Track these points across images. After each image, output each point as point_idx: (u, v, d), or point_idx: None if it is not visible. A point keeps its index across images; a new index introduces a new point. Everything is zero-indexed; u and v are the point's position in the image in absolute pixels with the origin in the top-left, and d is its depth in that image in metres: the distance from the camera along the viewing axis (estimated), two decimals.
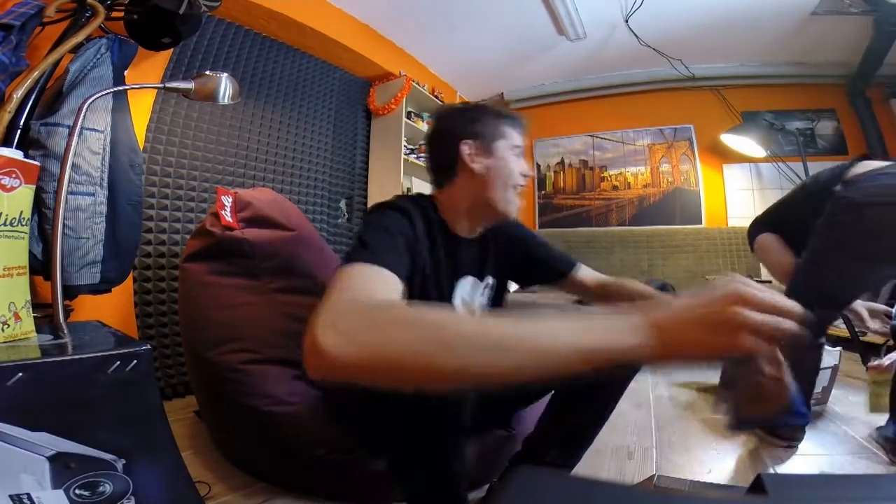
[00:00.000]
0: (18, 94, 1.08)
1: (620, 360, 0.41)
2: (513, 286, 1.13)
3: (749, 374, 0.51)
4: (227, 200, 1.26)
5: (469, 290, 0.96)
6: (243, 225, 1.22)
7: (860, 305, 1.47)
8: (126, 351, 0.78)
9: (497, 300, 1.03)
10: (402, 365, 0.43)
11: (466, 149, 0.90)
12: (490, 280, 1.00)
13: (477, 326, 0.43)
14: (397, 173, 2.82)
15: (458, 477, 0.82)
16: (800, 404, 0.51)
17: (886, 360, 1.34)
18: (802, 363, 1.23)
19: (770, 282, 2.54)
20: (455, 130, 0.93)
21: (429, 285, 0.86)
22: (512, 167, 0.91)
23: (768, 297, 0.41)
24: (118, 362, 0.76)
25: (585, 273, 1.03)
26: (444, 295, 0.90)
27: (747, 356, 0.42)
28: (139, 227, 1.40)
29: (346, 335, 0.44)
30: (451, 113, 0.98)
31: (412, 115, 3.02)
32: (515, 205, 0.93)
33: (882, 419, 1.31)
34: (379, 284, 0.60)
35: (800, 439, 1.26)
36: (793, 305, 0.42)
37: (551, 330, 0.42)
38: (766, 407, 0.51)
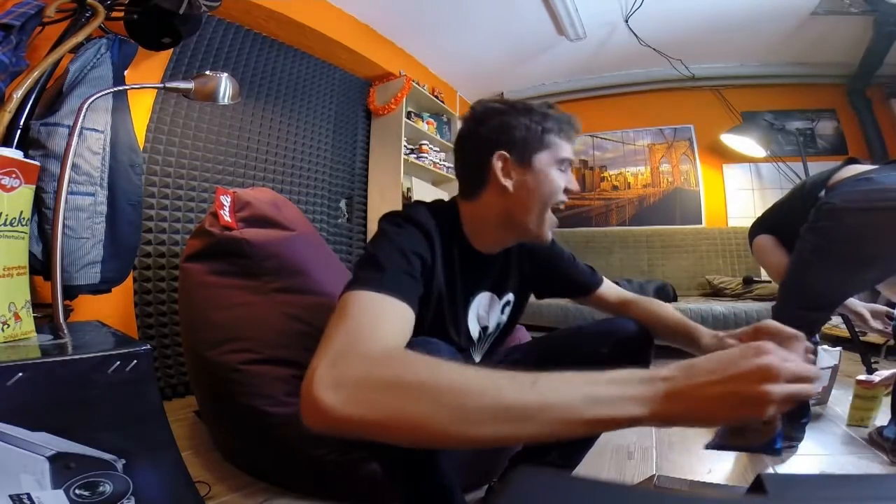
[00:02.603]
0: (18, 94, 1.08)
1: (632, 426, 0.41)
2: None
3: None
4: (226, 200, 1.26)
5: (486, 306, 0.91)
6: (242, 225, 1.22)
7: (861, 306, 1.47)
8: (126, 351, 0.78)
9: (514, 316, 0.98)
10: (406, 430, 0.42)
11: (500, 162, 0.77)
12: (511, 297, 0.94)
13: (492, 396, 0.41)
14: (397, 173, 2.82)
15: (456, 478, 0.81)
16: (779, 439, 0.53)
17: (876, 378, 1.36)
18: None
19: (769, 281, 2.55)
20: (489, 137, 0.79)
21: (443, 305, 0.80)
22: (553, 185, 0.78)
23: (792, 367, 0.41)
24: (118, 362, 0.76)
25: (608, 290, 0.97)
26: (457, 313, 0.84)
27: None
28: (139, 227, 1.40)
29: (346, 392, 0.42)
30: (487, 113, 0.80)
31: (412, 115, 3.02)
32: (552, 225, 0.82)
33: (881, 420, 1.31)
34: (386, 320, 0.55)
35: (800, 439, 1.26)
36: (811, 370, 0.43)
37: (563, 400, 0.41)
38: (750, 440, 0.52)
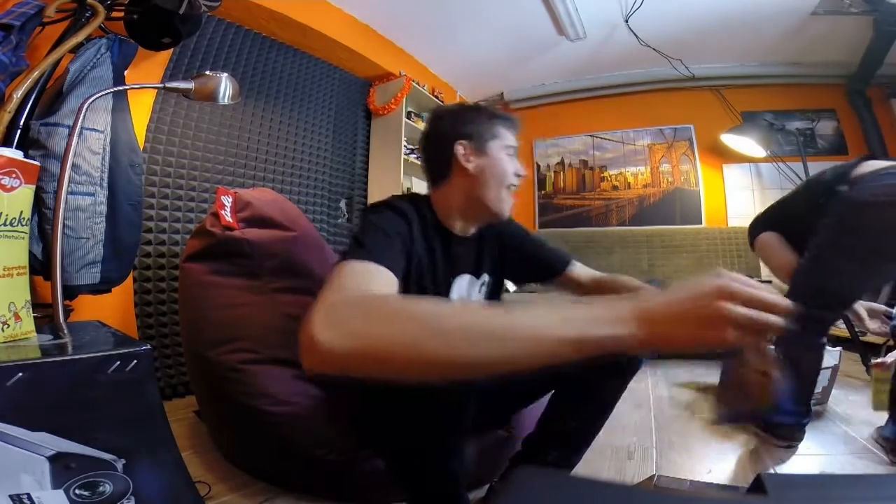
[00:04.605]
0: (18, 94, 1.08)
1: (606, 349, 0.42)
2: (510, 286, 1.14)
3: (735, 368, 0.51)
4: (227, 200, 1.26)
5: (466, 287, 0.98)
6: (243, 225, 1.22)
7: (859, 306, 1.46)
8: (126, 351, 0.78)
9: (493, 297, 1.05)
10: (395, 355, 0.44)
11: (461, 149, 0.92)
12: (486, 277, 1.02)
13: (468, 317, 0.45)
14: (397, 173, 2.82)
15: (459, 477, 0.82)
16: (788, 402, 0.50)
17: (889, 358, 1.34)
18: (803, 363, 1.22)
19: (770, 281, 2.54)
20: (450, 130, 0.94)
21: (425, 283, 0.88)
22: (505, 167, 0.93)
23: (754, 292, 0.42)
24: (118, 362, 0.76)
25: (580, 270, 1.06)
26: (440, 292, 0.92)
27: (732, 348, 0.43)
28: (139, 227, 1.40)
29: (340, 328, 0.45)
30: (446, 113, 0.99)
31: (412, 115, 3.02)
32: (508, 204, 0.95)
33: (882, 418, 1.31)
34: (374, 280, 0.62)
35: (800, 439, 1.26)
36: (779, 300, 0.44)
37: (538, 320, 0.43)
38: (750, 401, 0.51)
